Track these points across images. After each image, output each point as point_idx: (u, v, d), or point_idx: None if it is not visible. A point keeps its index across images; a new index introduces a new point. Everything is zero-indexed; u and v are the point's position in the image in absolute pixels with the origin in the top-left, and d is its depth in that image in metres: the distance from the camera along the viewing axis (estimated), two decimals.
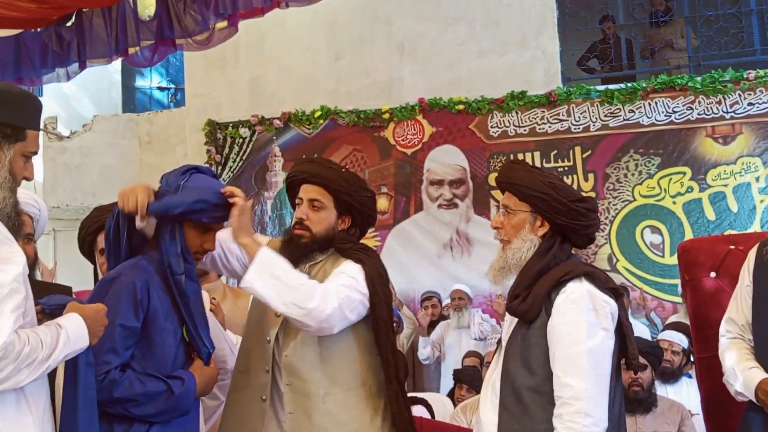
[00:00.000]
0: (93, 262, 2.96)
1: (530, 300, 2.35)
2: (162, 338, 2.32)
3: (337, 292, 2.48)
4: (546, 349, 2.31)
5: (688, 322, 3.93)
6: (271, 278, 2.42)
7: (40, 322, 2.00)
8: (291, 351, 2.63)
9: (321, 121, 8.05)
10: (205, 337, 2.45)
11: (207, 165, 8.02)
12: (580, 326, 2.27)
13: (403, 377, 2.66)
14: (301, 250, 2.65)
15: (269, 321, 2.68)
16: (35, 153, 2.06)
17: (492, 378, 2.44)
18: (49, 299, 2.09)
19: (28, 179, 2.06)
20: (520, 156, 7.60)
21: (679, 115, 7.42)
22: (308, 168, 2.72)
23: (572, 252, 2.49)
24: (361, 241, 2.83)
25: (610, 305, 2.33)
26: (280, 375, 2.63)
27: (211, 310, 3.64)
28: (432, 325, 6.93)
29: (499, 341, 2.52)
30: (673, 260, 6.91)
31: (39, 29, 5.50)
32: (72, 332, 1.97)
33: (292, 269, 2.49)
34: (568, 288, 2.32)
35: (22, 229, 1.99)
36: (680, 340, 4.84)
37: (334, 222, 2.67)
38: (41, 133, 2.09)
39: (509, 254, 2.45)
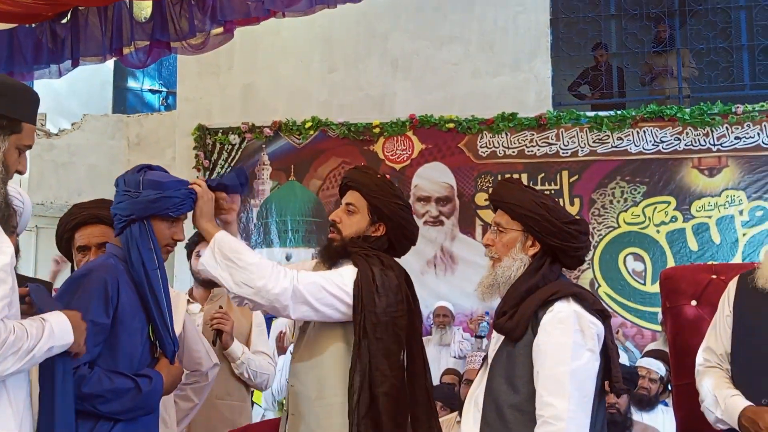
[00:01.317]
0: (70, 259, 2.95)
1: (517, 318, 2.35)
2: (128, 336, 2.31)
3: (299, 276, 2.51)
4: (530, 367, 2.31)
5: (666, 350, 3.94)
6: (223, 259, 2.47)
7: (24, 314, 2.01)
8: (296, 353, 2.71)
9: (311, 132, 8.06)
10: (172, 334, 2.45)
11: (195, 170, 8.05)
12: (566, 346, 2.27)
13: (388, 391, 2.56)
14: (331, 252, 2.71)
15: (295, 336, 2.82)
16: (30, 147, 2.07)
17: (475, 394, 2.44)
18: (36, 289, 2.10)
19: (20, 173, 2.06)
20: (507, 177, 7.62)
21: (667, 145, 7.49)
22: (349, 173, 2.84)
23: (561, 273, 2.50)
24: None
25: (596, 326, 2.33)
26: (289, 378, 2.73)
27: (217, 320, 3.64)
28: None
29: (485, 358, 2.52)
30: (654, 288, 6.96)
31: (33, 25, 5.49)
32: (56, 327, 1.97)
33: (248, 251, 2.54)
34: (555, 307, 2.33)
35: (10, 221, 1.98)
36: (658, 368, 4.85)
37: (365, 227, 2.72)
38: None
39: (499, 272, 2.46)
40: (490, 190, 7.41)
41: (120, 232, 2.41)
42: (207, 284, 3.81)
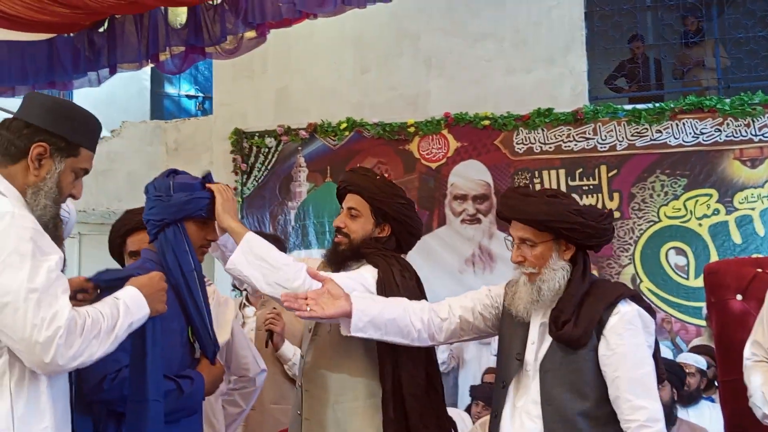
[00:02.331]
0: (122, 264, 2.99)
1: (583, 325, 2.30)
2: (168, 339, 2.33)
3: (328, 276, 2.50)
4: (598, 372, 2.28)
5: (711, 345, 3.88)
6: (255, 259, 2.45)
7: (92, 300, 2.06)
8: (311, 358, 2.67)
9: (346, 133, 8.07)
10: (212, 335, 2.46)
11: (233, 173, 8.11)
12: (641, 347, 2.29)
13: (414, 392, 2.58)
14: (340, 256, 2.70)
15: (305, 338, 2.78)
16: (86, 172, 2.12)
17: (520, 404, 2.37)
18: (100, 274, 2.18)
19: (74, 197, 2.11)
20: (545, 174, 7.57)
21: (707, 137, 7.36)
22: (346, 177, 2.81)
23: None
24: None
25: (653, 324, 2.37)
26: (303, 383, 2.68)
27: (269, 320, 3.66)
28: None
29: (520, 363, 2.43)
30: (698, 282, 6.84)
31: (72, 34, 5.58)
32: (129, 301, 2.02)
33: (278, 251, 2.52)
34: (620, 309, 2.31)
35: (59, 241, 1.99)
36: (696, 361, 4.80)
37: (371, 229, 2.72)
38: None
39: (544, 287, 2.38)
40: (523, 184, 7.41)
41: (154, 237, 2.43)
42: None
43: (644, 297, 6.96)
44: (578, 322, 2.30)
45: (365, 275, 2.59)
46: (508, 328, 2.49)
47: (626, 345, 2.26)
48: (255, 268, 2.45)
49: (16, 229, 1.82)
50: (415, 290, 2.65)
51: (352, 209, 2.72)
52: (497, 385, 2.50)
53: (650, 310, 2.39)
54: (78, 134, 2.05)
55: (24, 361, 1.82)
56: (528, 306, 2.41)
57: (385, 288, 2.56)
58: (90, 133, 2.11)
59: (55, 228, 1.98)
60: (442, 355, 6.72)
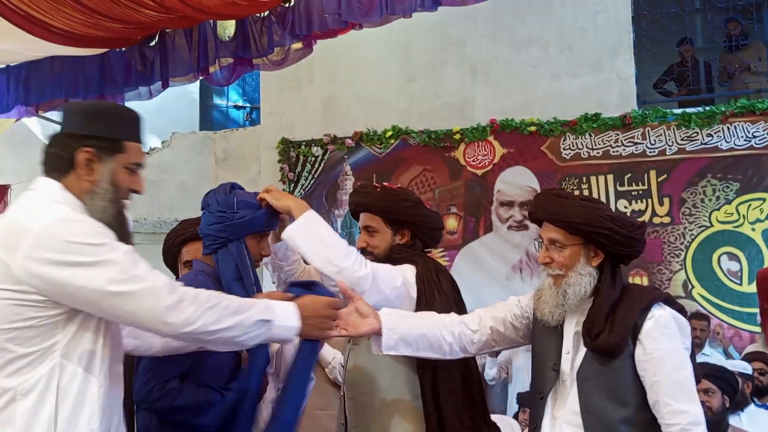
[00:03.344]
0: (176, 273, 3.04)
1: (618, 332, 2.28)
2: (217, 352, 2.35)
3: (374, 265, 2.55)
4: (637, 378, 2.27)
5: (766, 351, 3.82)
6: (312, 234, 2.51)
7: None
8: (351, 365, 2.71)
9: (392, 141, 8.11)
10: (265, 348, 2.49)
11: (281, 182, 8.21)
12: (678, 351, 2.27)
13: (453, 389, 2.61)
14: None
15: (345, 347, 2.83)
16: (140, 165, 2.10)
17: (559, 415, 2.36)
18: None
19: (137, 192, 2.09)
20: (593, 179, 7.50)
21: (759, 140, 7.22)
22: (353, 199, 2.90)
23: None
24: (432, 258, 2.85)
25: (688, 326, 2.35)
26: (347, 391, 2.70)
27: None
28: None
29: (557, 373, 2.41)
30: (752, 288, 6.69)
31: (124, 49, 5.72)
32: (277, 306, 2.09)
33: (334, 233, 2.57)
34: (653, 314, 2.30)
35: (127, 237, 2.02)
36: (741, 367, 4.74)
37: (391, 239, 2.77)
38: None
39: (569, 291, 2.36)
40: (570, 190, 7.35)
41: (212, 251, 2.47)
42: None
43: (697, 303, 6.89)
44: (613, 331, 2.28)
45: (406, 270, 2.63)
46: (541, 337, 2.47)
47: (663, 349, 2.24)
48: (308, 242, 2.50)
49: (81, 227, 1.88)
50: (450, 290, 2.68)
51: (368, 227, 2.79)
52: (534, 397, 2.48)
53: (683, 312, 2.36)
54: (117, 130, 2.04)
55: (147, 328, 1.93)
56: (553, 309, 2.39)
57: (424, 283, 2.60)
58: (129, 125, 2.08)
59: (119, 225, 2.00)
60: (490, 371, 6.69)
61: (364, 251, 2.76)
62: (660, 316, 2.29)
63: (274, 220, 2.55)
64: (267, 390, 2.56)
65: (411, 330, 2.40)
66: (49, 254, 1.82)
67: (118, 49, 5.75)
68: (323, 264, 2.49)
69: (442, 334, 2.45)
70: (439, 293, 2.62)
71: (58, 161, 2.00)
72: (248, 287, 2.40)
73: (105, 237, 1.90)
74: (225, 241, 2.45)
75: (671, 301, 2.37)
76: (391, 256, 2.72)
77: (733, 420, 4.24)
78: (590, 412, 2.29)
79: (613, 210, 2.54)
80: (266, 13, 5.28)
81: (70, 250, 1.84)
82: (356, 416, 2.65)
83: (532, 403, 2.50)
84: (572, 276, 2.36)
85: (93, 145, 2.00)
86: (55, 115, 6.55)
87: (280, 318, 2.07)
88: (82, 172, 1.99)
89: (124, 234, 2.00)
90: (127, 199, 2.08)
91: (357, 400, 2.66)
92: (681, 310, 2.37)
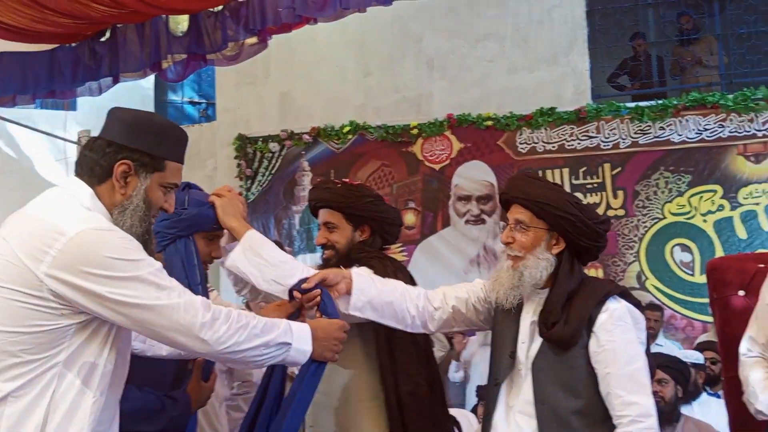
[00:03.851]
0: None
1: (573, 323, 2.29)
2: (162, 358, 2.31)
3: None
4: (590, 370, 2.28)
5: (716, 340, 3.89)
6: (254, 256, 2.44)
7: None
8: None
9: (349, 136, 8.09)
10: None
11: (237, 179, 8.14)
12: (632, 343, 2.29)
13: (413, 390, 2.60)
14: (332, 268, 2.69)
15: None
16: (175, 185, 2.05)
17: (513, 403, 2.37)
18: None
19: (166, 211, 2.05)
20: (549, 173, 7.57)
21: (711, 133, 7.35)
22: (312, 195, 2.85)
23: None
24: (390, 254, 2.85)
25: (644, 320, 2.37)
26: None
27: None
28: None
29: (512, 360, 2.42)
30: (704, 279, 6.79)
31: (73, 44, 5.60)
32: (295, 327, 2.07)
33: (278, 249, 2.52)
34: (608, 306, 2.31)
35: (148, 246, 1.96)
36: (693, 357, 4.82)
37: (351, 235, 2.75)
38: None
39: (525, 273, 2.37)
40: None
41: (163, 248, 2.44)
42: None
43: (650, 294, 7.00)
44: (568, 322, 2.29)
45: (360, 272, 2.61)
46: (500, 325, 2.48)
47: (616, 341, 2.26)
48: (253, 265, 2.44)
49: (118, 239, 1.84)
50: None
51: (328, 223, 2.77)
52: (490, 383, 2.49)
53: (639, 306, 2.39)
54: (161, 147, 1.97)
55: (181, 344, 1.89)
56: (508, 292, 2.39)
57: None
58: (174, 145, 2.02)
59: (145, 245, 1.92)
60: (456, 374, 6.70)
61: (324, 247, 2.74)
62: (615, 309, 2.31)
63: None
64: (218, 387, 2.53)
65: (380, 295, 2.42)
66: (84, 266, 1.77)
67: (68, 45, 5.63)
68: (270, 285, 2.44)
69: (407, 305, 2.47)
70: None
71: (94, 167, 1.93)
72: (193, 287, 2.36)
73: (141, 252, 1.86)
74: (174, 237, 2.41)
75: (627, 295, 2.39)
76: (350, 256, 2.71)
77: (685, 409, 4.31)
78: (543, 402, 2.30)
79: None
80: (220, 7, 5.20)
81: (108, 265, 1.78)
82: (313, 415, 2.62)
83: (488, 390, 2.50)
84: (530, 259, 2.37)
85: (134, 158, 1.93)
86: (5, 111, 6.40)
87: (297, 341, 2.05)
88: (117, 184, 1.93)
89: (147, 241, 1.96)
90: (156, 216, 2.04)
91: (316, 399, 2.63)
92: (637, 304, 2.39)
